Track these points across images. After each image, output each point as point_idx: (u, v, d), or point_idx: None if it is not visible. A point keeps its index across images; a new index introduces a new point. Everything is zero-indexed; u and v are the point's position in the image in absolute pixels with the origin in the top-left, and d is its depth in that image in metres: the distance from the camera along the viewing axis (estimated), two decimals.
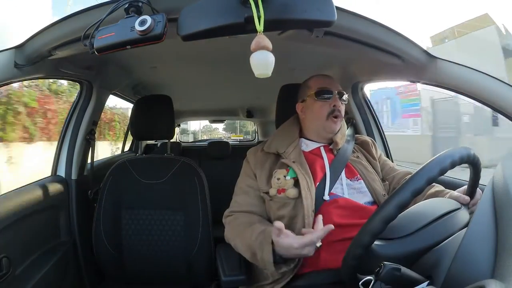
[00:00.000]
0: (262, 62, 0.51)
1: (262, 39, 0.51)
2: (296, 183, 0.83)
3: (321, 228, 0.67)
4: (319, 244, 0.66)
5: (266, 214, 0.89)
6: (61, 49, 0.77)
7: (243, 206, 0.89)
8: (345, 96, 0.94)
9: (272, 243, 0.69)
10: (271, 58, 0.51)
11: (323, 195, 0.83)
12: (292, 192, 0.82)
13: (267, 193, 0.87)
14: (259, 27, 0.50)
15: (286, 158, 0.89)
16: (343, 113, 0.93)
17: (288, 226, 0.82)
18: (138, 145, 2.33)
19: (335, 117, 0.90)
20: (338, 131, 0.94)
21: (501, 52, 8.65)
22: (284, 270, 0.72)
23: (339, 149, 0.93)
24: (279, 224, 0.67)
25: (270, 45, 0.51)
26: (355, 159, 0.94)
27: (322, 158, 0.91)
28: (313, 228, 0.70)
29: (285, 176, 0.84)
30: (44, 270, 0.94)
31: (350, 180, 0.88)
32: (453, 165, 0.54)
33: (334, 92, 0.91)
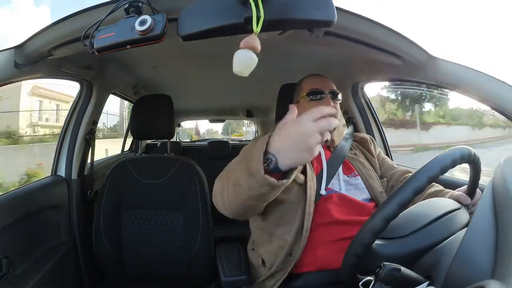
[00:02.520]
0: (244, 61, 0.50)
1: (253, 39, 0.51)
2: (303, 171, 0.82)
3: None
4: (327, 137, 0.53)
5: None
6: (61, 49, 0.77)
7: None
8: (339, 96, 0.93)
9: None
10: (254, 60, 0.49)
11: (320, 190, 0.83)
12: (300, 176, 0.81)
13: None
14: (256, 28, 0.50)
15: None
16: (337, 113, 0.93)
17: (287, 213, 0.79)
18: (138, 145, 2.33)
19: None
20: (335, 129, 0.94)
21: None
22: (282, 183, 0.56)
23: (336, 146, 0.93)
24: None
25: (259, 47, 0.50)
26: (352, 156, 0.94)
27: (319, 154, 0.90)
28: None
29: None
30: (44, 270, 0.94)
31: (348, 176, 0.89)
32: (454, 164, 0.54)
33: (326, 92, 0.91)
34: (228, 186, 0.65)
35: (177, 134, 3.33)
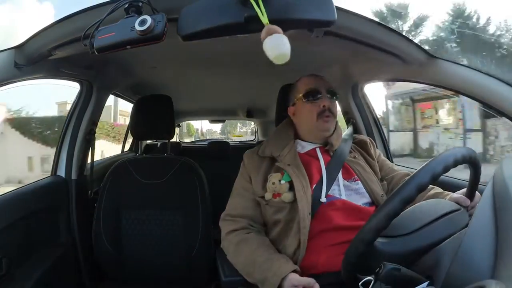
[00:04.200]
0: (276, 43, 0.50)
1: (271, 27, 0.50)
2: (291, 187, 0.82)
3: None
4: None
5: (261, 217, 0.89)
6: (61, 49, 0.77)
7: (238, 209, 0.89)
8: (337, 94, 0.93)
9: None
10: (285, 39, 0.50)
11: (320, 197, 0.82)
12: (287, 196, 0.82)
13: (263, 197, 0.86)
14: (265, 19, 0.50)
15: (280, 162, 0.87)
16: (335, 111, 0.92)
17: (284, 230, 0.83)
18: (138, 145, 2.34)
19: (326, 116, 0.89)
20: (334, 132, 0.93)
21: None
22: None
23: (335, 150, 0.91)
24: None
25: (281, 31, 0.50)
26: (352, 160, 0.92)
27: (318, 159, 0.90)
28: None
29: (279, 180, 0.83)
30: (44, 270, 0.94)
31: (348, 181, 0.87)
32: (456, 164, 0.54)
33: (323, 92, 0.89)
34: (238, 264, 0.83)
35: (177, 134, 3.33)
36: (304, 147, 0.94)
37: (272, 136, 0.98)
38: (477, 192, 0.68)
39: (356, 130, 1.36)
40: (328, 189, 0.84)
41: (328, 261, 0.76)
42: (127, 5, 0.57)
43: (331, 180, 0.85)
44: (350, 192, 0.86)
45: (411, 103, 8.21)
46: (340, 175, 0.87)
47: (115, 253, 1.13)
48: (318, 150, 0.92)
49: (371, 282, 0.49)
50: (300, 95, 0.91)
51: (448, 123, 7.55)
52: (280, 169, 0.86)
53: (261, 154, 0.93)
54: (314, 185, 0.84)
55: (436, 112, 7.91)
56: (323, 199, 0.82)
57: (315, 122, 0.89)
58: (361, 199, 0.85)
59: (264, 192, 0.86)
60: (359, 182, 0.88)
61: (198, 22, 0.54)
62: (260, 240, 0.83)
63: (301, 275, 0.77)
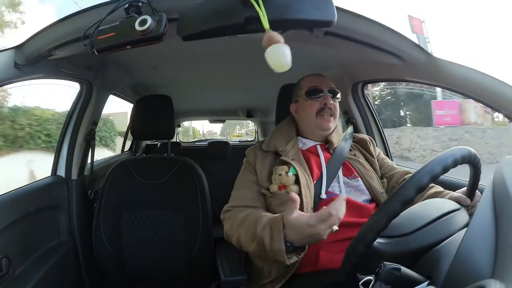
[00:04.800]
0: (280, 55, 0.51)
1: (273, 34, 0.51)
2: (297, 180, 0.82)
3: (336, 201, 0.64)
4: (335, 228, 0.62)
5: (266, 210, 0.88)
6: (61, 49, 0.77)
7: (243, 201, 0.88)
8: (338, 94, 0.94)
9: (283, 227, 0.67)
10: (287, 50, 0.51)
11: (320, 194, 0.83)
12: (293, 188, 0.81)
13: (268, 189, 0.87)
14: (266, 24, 0.51)
15: (285, 156, 0.89)
16: (336, 111, 0.93)
17: None
18: (138, 145, 2.33)
19: (328, 114, 0.91)
20: (334, 130, 0.94)
21: None
22: (294, 260, 0.68)
23: (335, 148, 0.93)
24: (294, 195, 0.65)
25: (282, 39, 0.51)
26: (352, 157, 0.94)
27: (318, 156, 0.91)
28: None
29: (286, 172, 0.84)
30: (44, 270, 0.94)
31: (348, 178, 0.88)
32: (455, 164, 0.54)
33: (325, 91, 0.91)
34: (240, 237, 0.79)
35: (177, 134, 3.33)
36: (305, 144, 0.95)
37: (276, 131, 0.99)
38: (477, 191, 0.68)
39: (356, 130, 1.36)
40: (328, 185, 0.85)
41: (327, 258, 0.76)
42: (127, 5, 0.57)
43: (331, 177, 0.86)
44: (350, 189, 0.87)
45: None
46: (340, 172, 0.88)
47: (115, 253, 1.13)
48: (319, 147, 0.93)
49: (371, 282, 0.49)
50: (303, 92, 0.93)
51: None
52: (286, 162, 0.87)
53: (265, 148, 0.94)
54: (315, 181, 0.85)
55: None
56: (323, 195, 0.83)
57: (315, 119, 0.91)
58: (361, 196, 0.86)
59: (269, 184, 0.86)
60: (359, 179, 0.89)
61: (198, 22, 0.54)
62: (262, 210, 0.83)
63: (300, 272, 0.77)
